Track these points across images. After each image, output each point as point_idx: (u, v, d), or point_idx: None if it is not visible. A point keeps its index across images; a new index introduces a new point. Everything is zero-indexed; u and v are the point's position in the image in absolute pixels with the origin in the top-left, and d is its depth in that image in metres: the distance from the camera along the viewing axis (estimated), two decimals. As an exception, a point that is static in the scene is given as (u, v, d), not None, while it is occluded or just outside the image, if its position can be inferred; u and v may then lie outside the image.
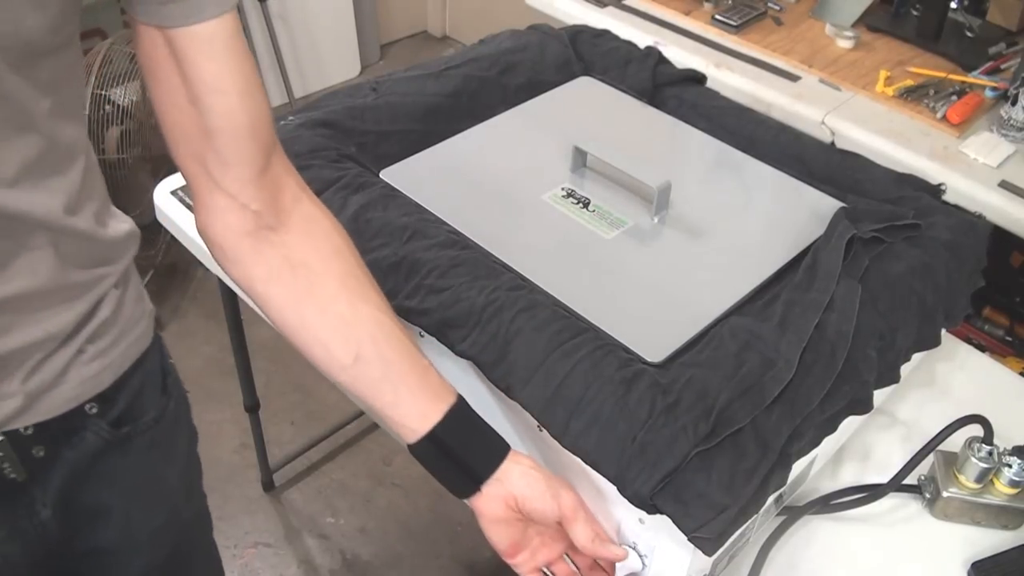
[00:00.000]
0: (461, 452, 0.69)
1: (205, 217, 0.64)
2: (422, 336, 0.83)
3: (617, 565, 0.75)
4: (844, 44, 1.56)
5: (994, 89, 1.45)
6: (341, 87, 1.09)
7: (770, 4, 1.68)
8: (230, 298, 1.40)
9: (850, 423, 0.80)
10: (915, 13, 1.62)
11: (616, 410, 0.70)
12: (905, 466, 0.83)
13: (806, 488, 0.85)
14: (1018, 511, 0.81)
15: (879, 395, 0.80)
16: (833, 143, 1.12)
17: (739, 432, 0.69)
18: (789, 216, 0.94)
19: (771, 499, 0.73)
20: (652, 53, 1.19)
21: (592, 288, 0.83)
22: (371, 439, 1.91)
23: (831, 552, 0.81)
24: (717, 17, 1.61)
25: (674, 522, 0.65)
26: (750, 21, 1.62)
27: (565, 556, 0.74)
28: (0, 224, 0.55)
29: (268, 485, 1.80)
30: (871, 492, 0.83)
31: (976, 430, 0.80)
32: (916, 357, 0.89)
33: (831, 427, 0.75)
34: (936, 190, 0.98)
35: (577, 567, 0.74)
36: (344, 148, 0.96)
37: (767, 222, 0.94)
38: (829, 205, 0.94)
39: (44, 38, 0.52)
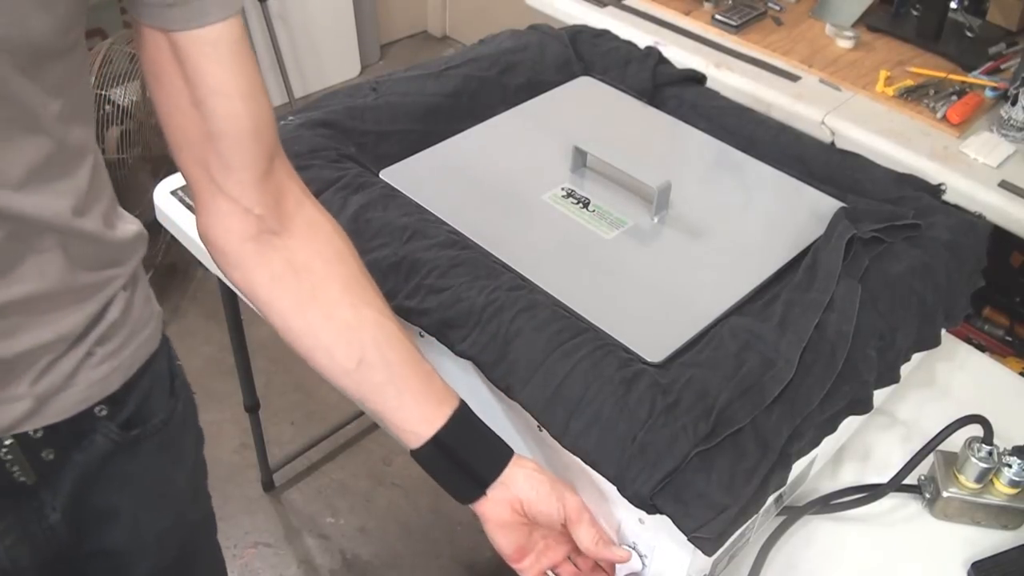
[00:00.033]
0: (465, 456, 0.69)
1: (207, 221, 0.64)
2: (422, 336, 0.83)
3: (618, 565, 0.75)
4: (844, 44, 1.56)
5: (994, 89, 1.45)
6: (341, 87, 1.09)
7: (770, 4, 1.68)
8: (230, 298, 1.40)
9: (850, 423, 0.80)
10: (915, 13, 1.62)
11: (616, 410, 0.70)
12: (905, 466, 0.82)
13: (806, 488, 0.85)
14: (1018, 511, 0.81)
15: (879, 395, 0.80)
16: (833, 143, 1.12)
17: (739, 432, 0.69)
18: (789, 216, 0.94)
19: (771, 499, 0.73)
20: (652, 53, 1.19)
21: (592, 288, 0.83)
22: (371, 439, 1.91)
23: (831, 552, 0.81)
24: (717, 17, 1.61)
25: (674, 522, 0.65)
26: (750, 21, 1.62)
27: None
28: (8, 226, 0.55)
29: (268, 485, 1.80)
30: (871, 492, 0.83)
31: (976, 430, 0.80)
32: (916, 357, 0.89)
33: (831, 427, 0.75)
34: (936, 190, 0.98)
35: (578, 568, 0.74)
36: (344, 148, 0.96)
37: (767, 222, 0.94)
38: (829, 205, 0.94)
39: (51, 40, 0.52)
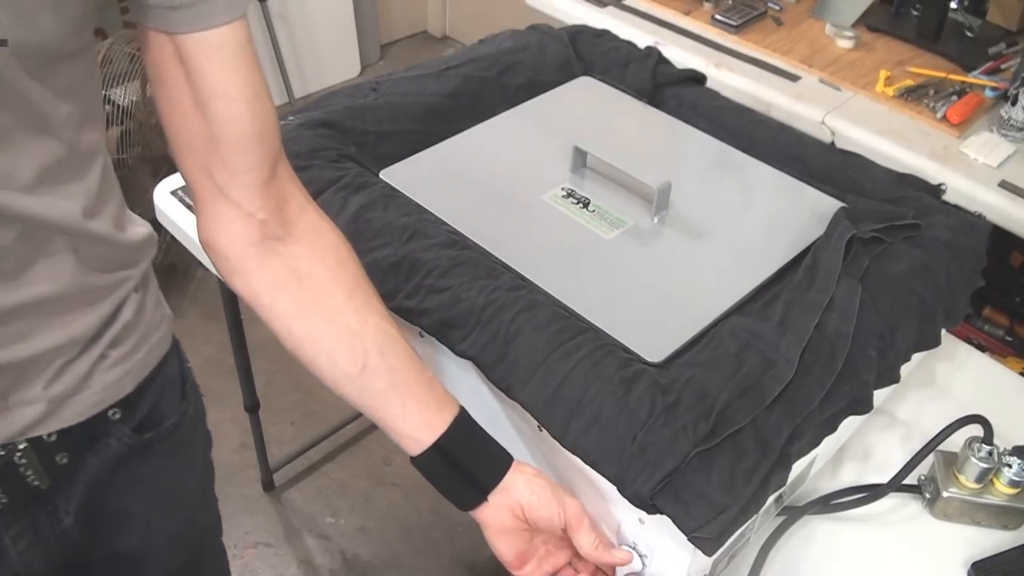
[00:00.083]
0: (466, 462, 0.69)
1: (209, 226, 0.64)
2: (422, 336, 0.83)
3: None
4: (844, 44, 1.56)
5: (994, 89, 1.45)
6: (341, 87, 1.09)
7: (770, 4, 1.68)
8: (230, 298, 1.40)
9: (850, 423, 0.80)
10: (915, 13, 1.62)
11: (616, 410, 0.70)
12: (905, 466, 0.82)
13: (806, 488, 0.85)
14: (1018, 511, 0.81)
15: (879, 395, 0.80)
16: (833, 143, 1.12)
17: (739, 432, 0.69)
18: (789, 216, 0.94)
19: (771, 499, 0.73)
20: (652, 53, 1.19)
21: (592, 288, 0.83)
22: (371, 439, 1.91)
23: (831, 552, 0.81)
24: (717, 17, 1.61)
25: (674, 522, 0.65)
26: (750, 21, 1.62)
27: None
28: (20, 229, 0.55)
29: (268, 485, 1.80)
30: (871, 492, 0.83)
31: (976, 430, 0.80)
32: (916, 357, 0.89)
33: (831, 427, 0.75)
34: (936, 190, 0.98)
35: (579, 572, 0.74)
36: (344, 148, 0.96)
37: (767, 222, 0.94)
38: (829, 205, 0.94)
39: (61, 43, 0.52)
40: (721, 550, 0.68)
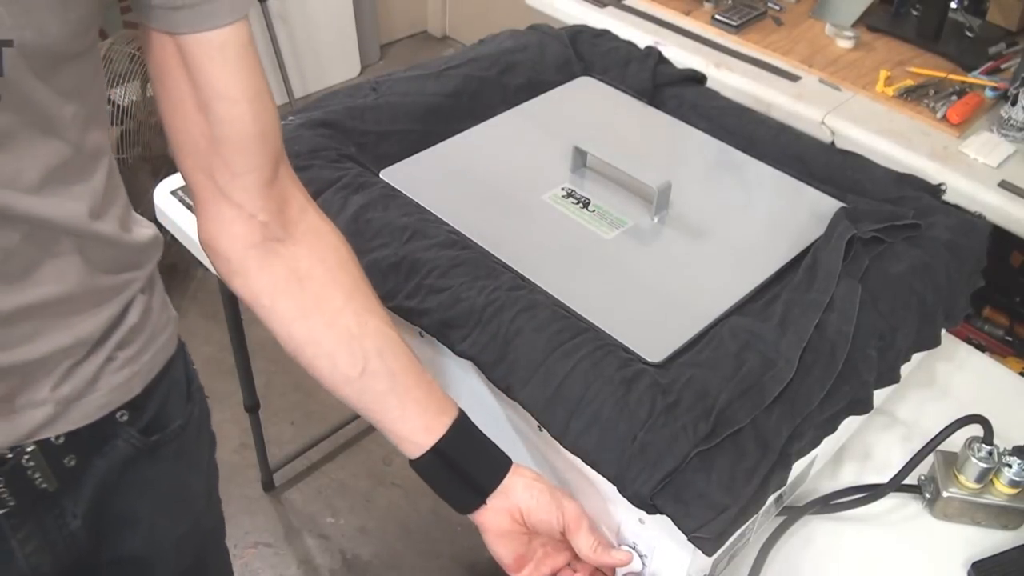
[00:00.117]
0: (465, 466, 0.69)
1: (210, 227, 0.64)
2: (422, 336, 0.83)
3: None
4: (844, 44, 1.56)
5: (994, 89, 1.45)
6: (341, 87, 1.09)
7: (770, 4, 1.68)
8: (230, 298, 1.40)
9: (850, 423, 0.80)
10: (915, 13, 1.62)
11: (616, 410, 0.70)
12: (905, 466, 0.82)
13: (806, 488, 0.85)
14: (1018, 511, 0.81)
15: (879, 395, 0.80)
16: (833, 143, 1.12)
17: (739, 432, 0.69)
18: (789, 216, 0.94)
19: (771, 499, 0.73)
20: (652, 53, 1.19)
21: (592, 288, 0.83)
22: (371, 439, 1.91)
23: (831, 552, 0.81)
24: (717, 17, 1.61)
25: (674, 522, 0.65)
26: (750, 21, 1.62)
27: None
28: (25, 230, 0.55)
29: (268, 485, 1.80)
30: (871, 492, 0.83)
31: (976, 430, 0.80)
32: (916, 357, 0.89)
33: (831, 427, 0.75)
34: (936, 190, 0.98)
35: (578, 573, 0.74)
36: (344, 148, 0.96)
37: (767, 222, 0.94)
38: (829, 205, 0.94)
39: (66, 43, 0.52)
40: (721, 550, 0.68)
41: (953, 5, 1.59)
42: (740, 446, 0.68)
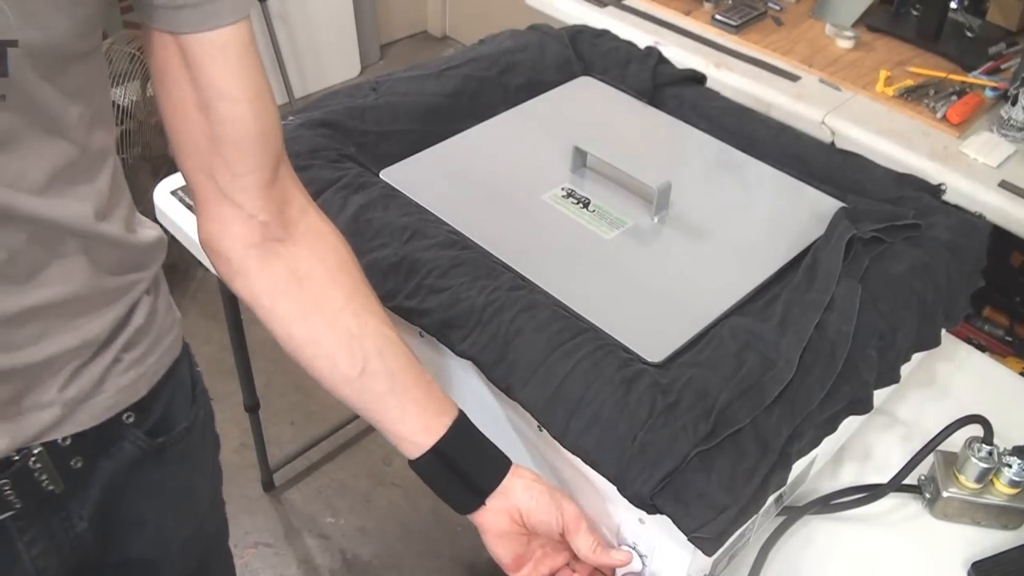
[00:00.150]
0: (465, 466, 0.69)
1: (210, 228, 0.64)
2: (422, 336, 0.83)
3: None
4: (844, 44, 1.56)
5: (994, 89, 1.45)
6: (341, 87, 1.09)
7: (770, 4, 1.68)
8: (230, 298, 1.40)
9: (850, 423, 0.80)
10: (915, 13, 1.62)
11: (616, 410, 0.70)
12: (905, 466, 0.82)
13: (806, 488, 0.85)
14: (1018, 511, 0.81)
15: (879, 395, 0.80)
16: (833, 143, 1.12)
17: (739, 432, 0.69)
18: (789, 216, 0.94)
19: (771, 499, 0.72)
20: (652, 53, 1.19)
21: (592, 288, 0.83)
22: (371, 439, 1.91)
23: (831, 552, 0.81)
24: (717, 17, 1.61)
25: (674, 522, 0.65)
26: (750, 21, 1.62)
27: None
28: (31, 231, 0.55)
29: (268, 485, 1.80)
30: (871, 492, 0.83)
31: (976, 430, 0.80)
32: (916, 357, 0.89)
33: (831, 427, 0.75)
34: (936, 190, 0.98)
35: (577, 573, 0.74)
36: (344, 148, 0.96)
37: (767, 222, 0.94)
38: (829, 205, 0.94)
39: (72, 43, 0.52)
40: (721, 550, 0.68)
41: (953, 5, 1.59)
42: (740, 446, 0.68)
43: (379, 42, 3.21)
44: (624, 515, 0.73)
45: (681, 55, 1.53)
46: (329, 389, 0.68)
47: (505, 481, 0.70)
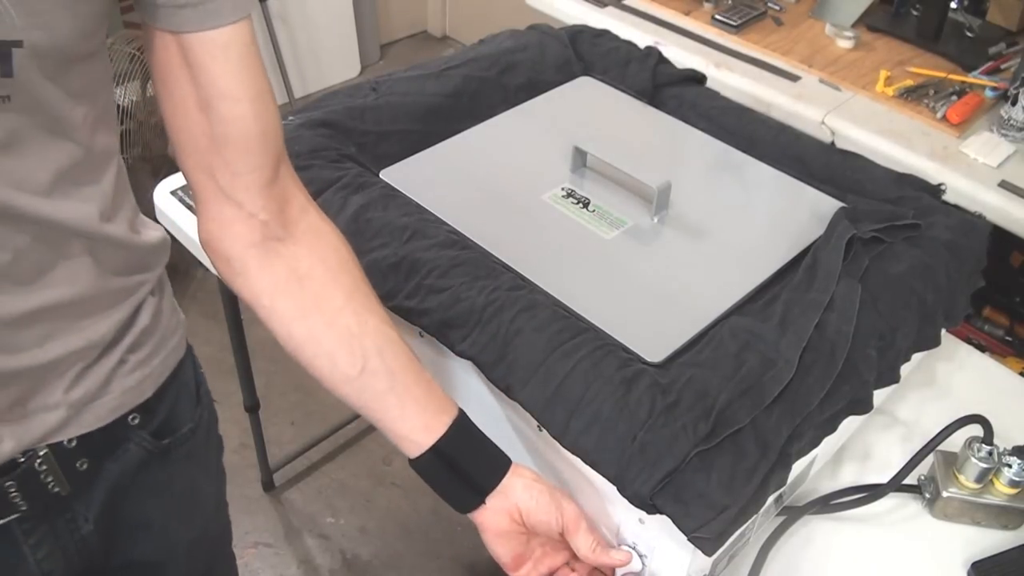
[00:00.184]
0: (465, 465, 0.69)
1: (210, 227, 0.64)
2: (422, 336, 0.83)
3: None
4: (844, 44, 1.56)
5: (994, 89, 1.45)
6: (341, 87, 1.09)
7: (770, 4, 1.68)
8: (230, 298, 1.40)
9: (850, 423, 0.80)
10: (915, 13, 1.62)
11: (616, 410, 0.70)
12: (905, 466, 0.82)
13: (806, 488, 0.85)
14: (1018, 511, 0.81)
15: (879, 395, 0.80)
16: (833, 143, 1.12)
17: (739, 432, 0.69)
18: (789, 216, 0.94)
19: (771, 499, 0.72)
20: (652, 53, 1.19)
21: (592, 288, 0.83)
22: (371, 439, 1.91)
23: (831, 552, 0.81)
24: (717, 17, 1.61)
25: (674, 522, 0.65)
26: (750, 21, 1.62)
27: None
28: (37, 232, 0.55)
29: (268, 485, 1.80)
30: (871, 492, 0.83)
31: (976, 430, 0.80)
32: (916, 357, 0.89)
33: (831, 427, 0.75)
34: (936, 190, 0.98)
35: (576, 573, 0.74)
36: (344, 148, 0.96)
37: (767, 222, 0.94)
38: (829, 205, 0.94)
39: (77, 43, 0.52)
40: (721, 550, 0.68)
41: (953, 5, 1.59)
42: (740, 446, 0.68)
43: (379, 42, 3.21)
44: (624, 515, 0.73)
45: (681, 55, 1.53)
46: (329, 388, 0.68)
47: (505, 480, 0.70)
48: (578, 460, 0.71)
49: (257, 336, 1.52)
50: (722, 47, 1.57)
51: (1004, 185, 1.27)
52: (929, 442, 0.82)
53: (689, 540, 0.65)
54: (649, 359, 0.75)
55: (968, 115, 1.38)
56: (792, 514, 0.82)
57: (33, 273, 0.56)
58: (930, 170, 1.29)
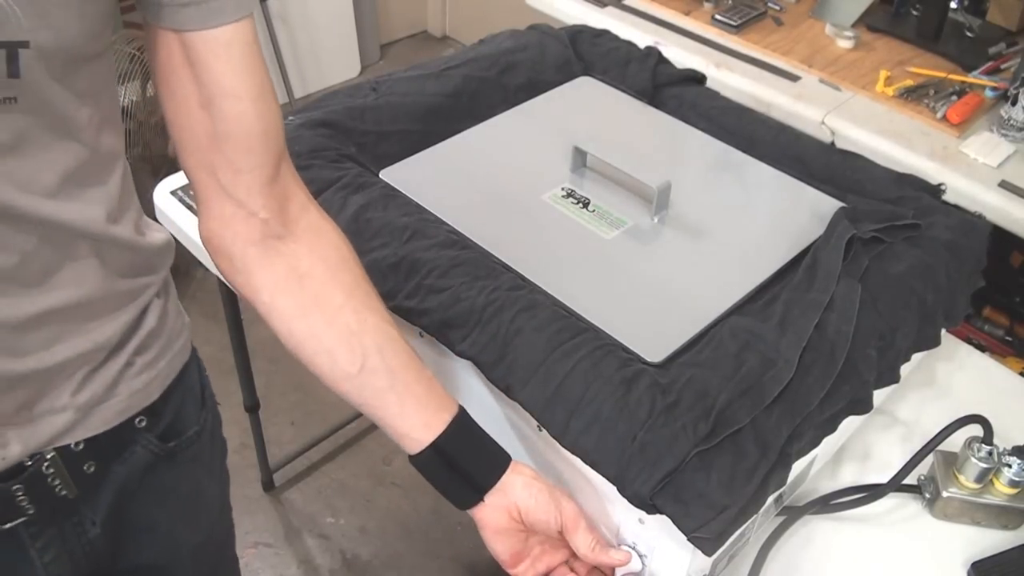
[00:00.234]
0: (464, 463, 0.69)
1: (211, 225, 0.64)
2: (422, 336, 0.83)
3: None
4: (844, 44, 1.56)
5: (994, 89, 1.45)
6: (341, 87, 1.09)
7: (770, 4, 1.68)
8: (230, 298, 1.40)
9: (850, 423, 0.80)
10: (915, 13, 1.62)
11: (616, 410, 0.70)
12: (905, 466, 0.82)
13: (806, 488, 0.85)
14: (1018, 511, 0.81)
15: (879, 395, 0.80)
16: (833, 143, 1.12)
17: (739, 432, 0.69)
18: (789, 216, 0.94)
19: (771, 499, 0.72)
20: (652, 53, 1.19)
21: (592, 288, 0.83)
22: (371, 439, 1.91)
23: (831, 552, 0.81)
24: (717, 17, 1.61)
25: (674, 522, 0.65)
26: (750, 21, 1.62)
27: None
28: (43, 234, 0.55)
29: (268, 485, 1.80)
30: (871, 492, 0.83)
31: (976, 430, 0.80)
32: (916, 357, 0.89)
33: (831, 427, 0.75)
34: (936, 190, 0.98)
35: (576, 572, 0.74)
36: (344, 148, 0.96)
37: (767, 222, 0.94)
38: (829, 205, 0.94)
39: (84, 44, 0.52)
40: (721, 550, 0.68)
41: (953, 5, 1.59)
42: (740, 446, 0.68)
43: (379, 42, 3.21)
44: (624, 515, 0.73)
45: (681, 55, 1.53)
46: (329, 385, 0.68)
47: (504, 478, 0.70)
48: (578, 460, 0.71)
49: (257, 336, 1.52)
50: (722, 47, 1.57)
51: (1004, 185, 1.27)
52: (929, 442, 0.82)
53: (689, 540, 0.65)
54: (649, 359, 0.75)
55: (968, 115, 1.38)
56: (792, 514, 0.82)
57: (40, 275, 0.56)
58: (930, 170, 1.29)
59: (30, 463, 0.61)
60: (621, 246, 0.88)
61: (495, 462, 0.71)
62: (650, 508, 0.67)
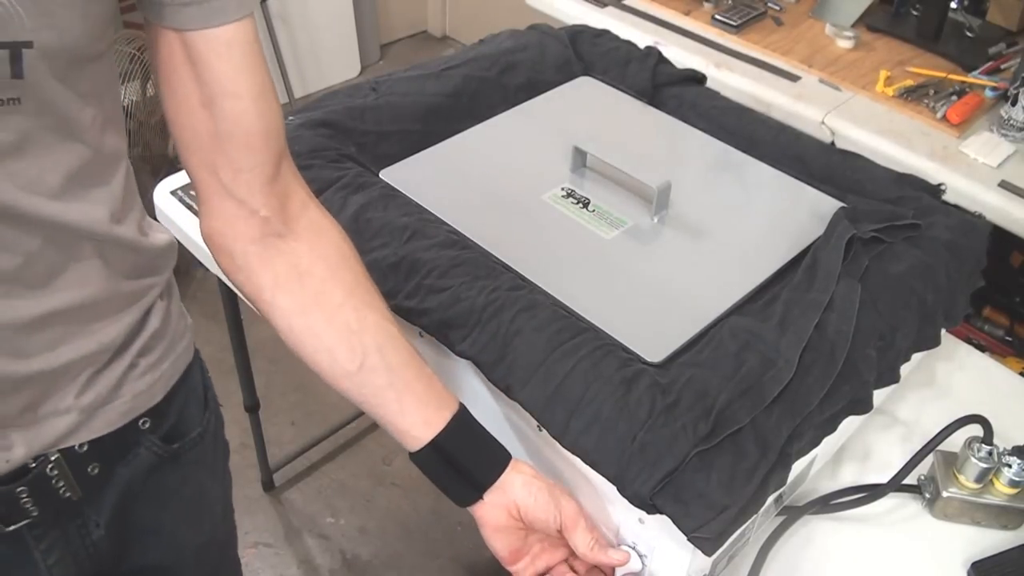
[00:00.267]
0: (463, 460, 0.69)
1: (212, 224, 0.64)
2: (422, 336, 0.83)
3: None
4: (844, 44, 1.56)
5: (994, 89, 1.45)
6: (341, 87, 1.09)
7: (770, 4, 1.68)
8: (230, 298, 1.40)
9: (850, 423, 0.80)
10: (915, 13, 1.62)
11: (616, 410, 0.70)
12: (905, 466, 0.82)
13: (806, 488, 0.85)
14: (1018, 511, 0.81)
15: (879, 395, 0.80)
16: (833, 143, 1.12)
17: (739, 432, 0.69)
18: (789, 216, 0.94)
19: (771, 499, 0.73)
20: (652, 53, 1.19)
21: (592, 288, 0.83)
22: (371, 439, 1.91)
23: (831, 552, 0.81)
24: (717, 17, 1.61)
25: (674, 522, 0.65)
26: (750, 21, 1.62)
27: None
28: (47, 235, 0.55)
29: (268, 485, 1.80)
30: (871, 492, 0.83)
31: (976, 430, 0.80)
32: (916, 357, 0.89)
33: (831, 427, 0.75)
34: (936, 190, 0.98)
35: (575, 571, 0.74)
36: (344, 148, 0.96)
37: (767, 222, 0.94)
38: (829, 205, 0.94)
39: (87, 44, 0.52)
40: (721, 550, 0.68)
41: (953, 5, 1.59)
42: (740, 446, 0.68)
43: (379, 42, 3.21)
44: (624, 515, 0.73)
45: (681, 55, 1.53)
46: (329, 383, 0.68)
47: (504, 476, 0.70)
48: (578, 460, 0.71)
49: (257, 336, 1.52)
50: (722, 47, 1.57)
51: (1004, 185, 1.27)
52: (929, 442, 0.82)
53: (689, 540, 0.65)
54: (649, 359, 0.75)
55: (968, 115, 1.38)
56: (792, 514, 0.82)
57: (44, 276, 0.56)
58: (930, 170, 1.29)
59: (34, 465, 0.61)
60: (621, 246, 0.88)
61: (495, 460, 0.71)
62: (650, 508, 0.67)
